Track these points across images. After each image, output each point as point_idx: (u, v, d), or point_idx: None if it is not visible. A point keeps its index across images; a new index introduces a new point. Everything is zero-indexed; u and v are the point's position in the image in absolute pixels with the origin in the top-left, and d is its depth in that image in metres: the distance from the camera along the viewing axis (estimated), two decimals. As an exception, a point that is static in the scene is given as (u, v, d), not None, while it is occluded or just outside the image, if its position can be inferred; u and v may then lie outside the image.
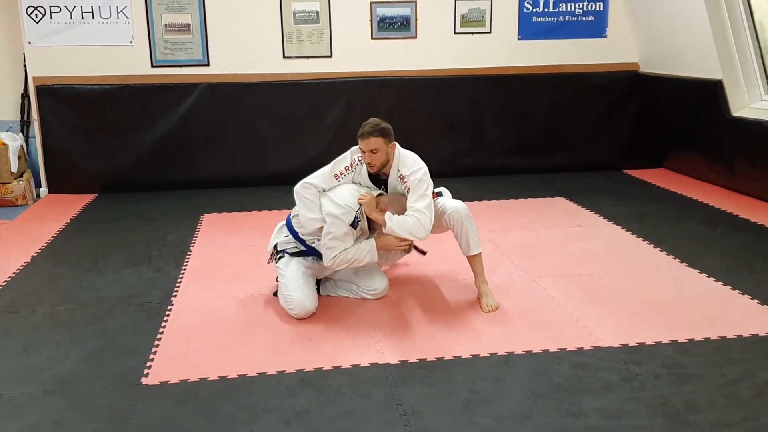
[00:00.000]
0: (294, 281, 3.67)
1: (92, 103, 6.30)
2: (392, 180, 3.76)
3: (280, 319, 3.65)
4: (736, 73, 5.93)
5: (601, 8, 6.90)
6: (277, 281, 3.86)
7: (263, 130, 6.58)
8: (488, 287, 3.82)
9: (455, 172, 6.78)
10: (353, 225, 3.60)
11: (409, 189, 3.64)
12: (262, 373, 3.07)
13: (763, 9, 5.71)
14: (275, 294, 3.92)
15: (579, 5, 6.86)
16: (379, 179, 3.80)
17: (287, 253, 3.81)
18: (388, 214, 3.59)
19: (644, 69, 6.97)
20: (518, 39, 6.84)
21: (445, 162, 6.73)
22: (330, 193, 3.66)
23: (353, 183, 3.77)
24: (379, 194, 3.73)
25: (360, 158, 3.75)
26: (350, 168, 3.77)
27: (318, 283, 3.93)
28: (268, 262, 3.98)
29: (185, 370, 3.10)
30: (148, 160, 6.45)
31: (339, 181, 3.73)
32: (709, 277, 4.13)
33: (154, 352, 3.29)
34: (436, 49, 6.72)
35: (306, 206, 3.67)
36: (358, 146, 3.75)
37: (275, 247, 3.89)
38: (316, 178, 3.73)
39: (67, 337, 3.46)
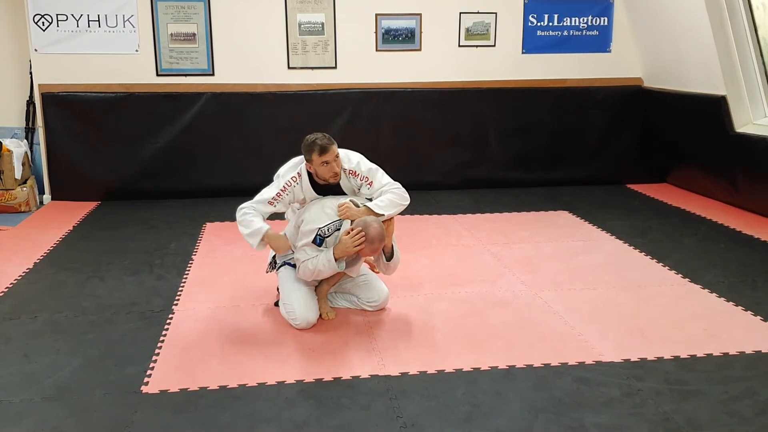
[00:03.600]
0: (295, 292, 3.67)
1: (97, 111, 6.31)
2: (343, 180, 3.74)
3: (280, 329, 3.64)
4: (740, 90, 5.94)
5: (606, 23, 6.92)
6: (278, 291, 3.86)
7: (267, 140, 6.59)
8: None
9: (458, 185, 6.79)
10: (315, 241, 3.57)
11: (365, 180, 3.70)
12: (262, 383, 3.06)
13: (767, 25, 5.72)
14: (276, 304, 3.92)
15: (583, 20, 6.88)
16: (324, 187, 3.74)
17: (288, 264, 3.81)
18: (372, 202, 3.61)
19: (648, 84, 6.99)
20: (522, 53, 6.86)
21: (448, 175, 6.74)
22: (305, 213, 3.66)
23: (295, 200, 3.77)
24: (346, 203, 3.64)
25: (295, 179, 3.75)
26: (297, 179, 3.78)
27: None
28: (267, 272, 3.98)
29: (185, 379, 3.09)
30: (151, 168, 6.46)
31: (275, 206, 3.77)
32: (711, 293, 4.12)
33: (155, 361, 3.28)
34: (441, 62, 6.74)
35: (243, 225, 3.74)
36: (295, 164, 3.81)
37: (274, 257, 3.89)
38: (255, 201, 3.82)
39: (67, 345, 3.46)
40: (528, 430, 2.70)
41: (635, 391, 2.97)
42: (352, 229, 3.51)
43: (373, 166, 3.78)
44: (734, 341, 3.46)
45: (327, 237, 3.59)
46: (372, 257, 3.84)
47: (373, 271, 4.02)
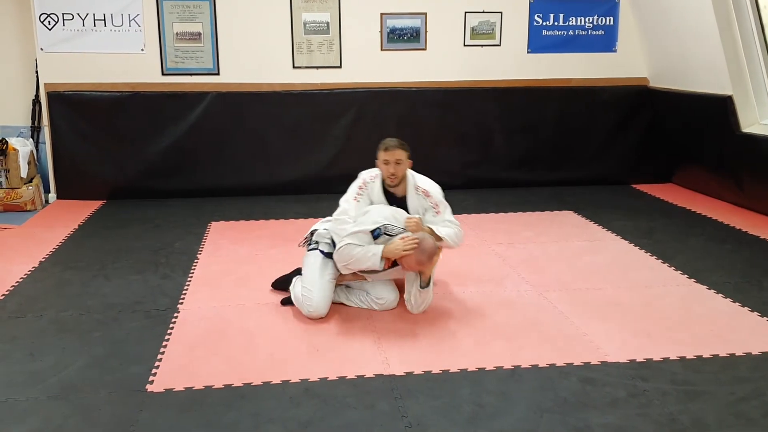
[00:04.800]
0: (319, 281, 3.73)
1: (102, 110, 6.32)
2: (411, 196, 3.88)
3: (286, 328, 3.65)
4: (747, 89, 5.91)
5: (611, 22, 6.90)
6: (290, 278, 3.96)
7: (272, 140, 6.59)
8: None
9: (463, 185, 6.78)
10: (374, 232, 3.64)
11: (435, 206, 3.87)
12: (267, 382, 3.06)
13: (774, 25, 5.71)
14: (283, 302, 3.93)
15: (589, 19, 6.86)
16: (392, 197, 3.88)
17: (321, 252, 3.84)
18: (436, 226, 3.80)
19: (654, 84, 6.97)
20: (528, 52, 6.85)
21: (453, 174, 6.73)
22: (375, 209, 3.80)
23: (370, 202, 3.88)
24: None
25: (372, 177, 3.90)
26: (364, 187, 3.91)
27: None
28: (300, 245, 4.05)
29: (190, 378, 3.10)
30: (156, 167, 6.47)
31: (358, 202, 3.88)
32: (717, 293, 4.11)
33: (160, 359, 3.28)
34: (446, 61, 6.73)
35: (357, 259, 3.64)
36: (368, 171, 3.95)
37: (312, 233, 3.96)
38: (343, 211, 3.87)
39: (72, 343, 3.46)
40: (533, 430, 2.69)
41: (641, 392, 2.97)
42: (407, 237, 3.59)
43: (446, 201, 3.94)
44: (741, 342, 3.44)
45: (387, 235, 3.65)
46: (407, 278, 3.80)
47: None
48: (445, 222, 3.88)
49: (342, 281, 3.92)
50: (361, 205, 3.88)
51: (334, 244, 3.80)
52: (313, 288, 3.73)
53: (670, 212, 6.01)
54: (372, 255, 3.60)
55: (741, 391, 2.96)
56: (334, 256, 3.72)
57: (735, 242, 5.10)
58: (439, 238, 3.75)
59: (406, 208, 3.88)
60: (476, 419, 2.77)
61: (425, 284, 3.72)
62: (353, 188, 3.97)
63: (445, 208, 3.94)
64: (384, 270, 3.70)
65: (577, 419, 2.76)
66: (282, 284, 4.14)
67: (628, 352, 3.33)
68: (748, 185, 5.86)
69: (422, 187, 3.93)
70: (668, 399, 2.91)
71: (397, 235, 3.65)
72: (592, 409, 2.83)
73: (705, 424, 2.72)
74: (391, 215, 3.73)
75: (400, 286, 3.94)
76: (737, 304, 3.94)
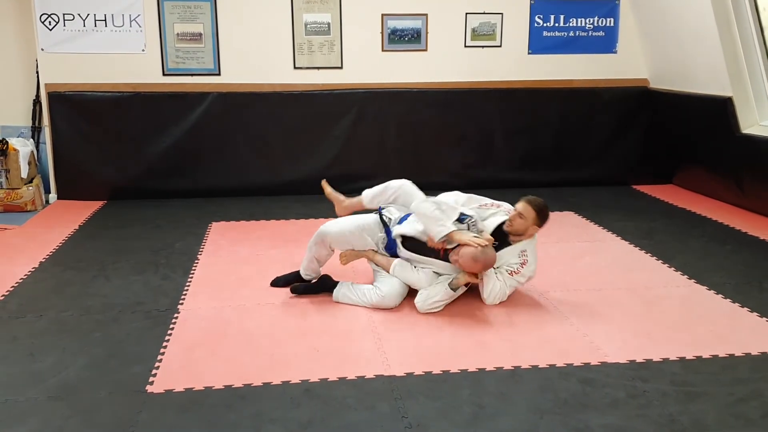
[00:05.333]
0: (400, 282, 3.91)
1: (103, 111, 6.33)
2: (512, 249, 3.96)
3: (286, 328, 3.65)
4: (746, 91, 5.92)
5: (612, 24, 6.91)
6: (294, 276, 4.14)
7: (272, 140, 6.60)
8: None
9: (463, 185, 6.67)
10: (460, 216, 3.82)
11: (522, 263, 3.95)
12: (267, 383, 3.06)
13: (774, 27, 5.72)
14: (293, 290, 4.06)
15: (590, 20, 6.86)
16: (501, 234, 3.96)
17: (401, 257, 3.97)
18: (499, 272, 3.94)
19: (654, 85, 6.97)
20: (528, 53, 6.85)
21: (454, 175, 6.73)
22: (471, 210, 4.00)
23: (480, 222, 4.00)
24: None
25: (506, 211, 4.05)
26: (491, 207, 4.13)
27: (334, 286, 4.01)
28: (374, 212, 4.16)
29: (190, 379, 3.10)
30: (157, 167, 6.47)
31: (483, 206, 4.13)
32: (717, 294, 4.11)
33: (160, 360, 3.29)
34: (447, 62, 6.74)
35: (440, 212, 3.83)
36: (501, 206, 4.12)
37: (382, 216, 4.10)
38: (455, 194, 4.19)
39: (73, 344, 3.47)
40: (533, 431, 2.69)
41: (641, 393, 2.97)
42: (481, 238, 3.75)
43: (526, 276, 3.99)
44: (740, 343, 3.45)
45: (467, 222, 3.82)
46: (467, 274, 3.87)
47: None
48: (506, 277, 3.92)
49: (371, 258, 4.05)
50: (476, 211, 4.00)
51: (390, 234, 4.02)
52: (389, 284, 3.89)
53: (670, 213, 6.02)
54: (441, 225, 3.72)
55: (740, 392, 2.96)
56: (414, 204, 3.88)
57: (735, 243, 5.10)
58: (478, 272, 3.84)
59: (503, 246, 3.95)
60: (476, 420, 2.77)
61: (455, 288, 3.78)
62: (488, 200, 4.17)
63: (519, 279, 3.96)
64: (435, 251, 3.82)
65: (576, 420, 2.76)
66: (283, 283, 4.18)
67: (628, 353, 3.33)
68: (748, 186, 5.86)
69: (526, 253, 3.95)
70: (668, 400, 2.91)
71: (472, 230, 3.84)
72: (592, 410, 2.83)
73: (704, 425, 2.72)
74: (479, 218, 3.94)
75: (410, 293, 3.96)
76: (737, 304, 3.94)
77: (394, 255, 4.00)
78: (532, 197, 3.97)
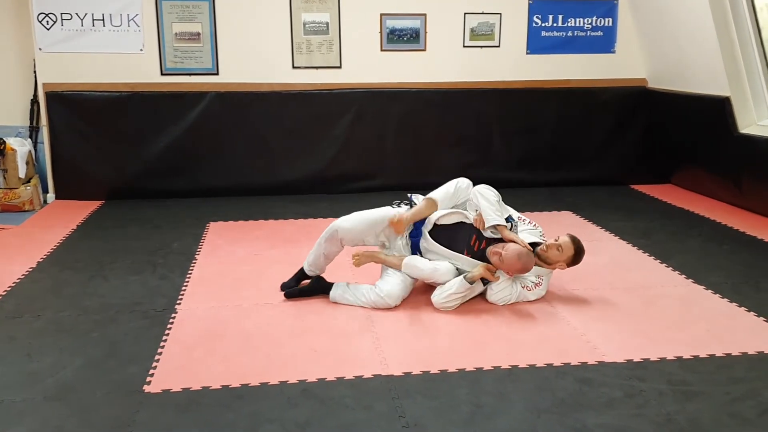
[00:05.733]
0: (402, 282, 3.91)
1: (101, 110, 6.32)
2: (533, 269, 3.96)
3: (283, 328, 3.65)
4: (744, 91, 5.92)
5: (610, 24, 6.91)
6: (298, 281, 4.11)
7: (271, 140, 6.59)
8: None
9: None
10: (507, 219, 3.98)
11: (538, 282, 4.02)
12: (265, 383, 3.06)
13: (772, 26, 5.72)
14: (287, 296, 4.03)
15: (588, 20, 6.87)
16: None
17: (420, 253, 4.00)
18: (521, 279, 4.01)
19: (652, 85, 6.97)
20: (527, 53, 6.85)
21: (452, 175, 6.59)
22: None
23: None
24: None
25: (547, 243, 4.00)
26: (528, 223, 4.19)
27: (328, 288, 4.00)
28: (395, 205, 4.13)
29: (188, 379, 3.10)
30: (155, 167, 6.47)
31: (520, 219, 4.18)
32: (715, 294, 4.11)
33: (157, 360, 3.28)
34: (445, 62, 6.74)
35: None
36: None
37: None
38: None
39: (70, 344, 3.46)
40: (531, 430, 2.70)
41: (638, 392, 2.97)
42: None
43: (539, 292, 4.06)
44: (737, 342, 3.45)
45: (511, 224, 3.96)
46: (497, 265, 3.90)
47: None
48: (519, 288, 3.97)
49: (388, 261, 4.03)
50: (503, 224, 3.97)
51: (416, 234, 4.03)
52: (393, 282, 3.90)
53: (668, 213, 6.02)
54: (497, 214, 3.87)
55: (737, 391, 2.97)
56: (474, 189, 4.01)
57: (733, 243, 5.10)
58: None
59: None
60: (474, 419, 2.77)
61: (471, 281, 3.81)
62: (521, 214, 4.22)
63: (528, 295, 3.99)
64: (467, 244, 3.90)
65: (574, 419, 2.76)
66: (294, 284, 4.16)
67: (625, 353, 3.33)
68: (746, 186, 5.87)
69: (542, 279, 4.01)
70: (665, 399, 2.91)
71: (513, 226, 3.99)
72: (589, 410, 2.83)
73: (701, 424, 2.72)
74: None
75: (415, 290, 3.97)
76: (734, 304, 3.94)
77: (416, 246, 3.99)
78: (577, 238, 4.01)
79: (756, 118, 5.92)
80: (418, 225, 4.00)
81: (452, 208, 4.08)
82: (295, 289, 4.08)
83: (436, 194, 4.05)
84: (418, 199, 4.11)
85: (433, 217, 3.99)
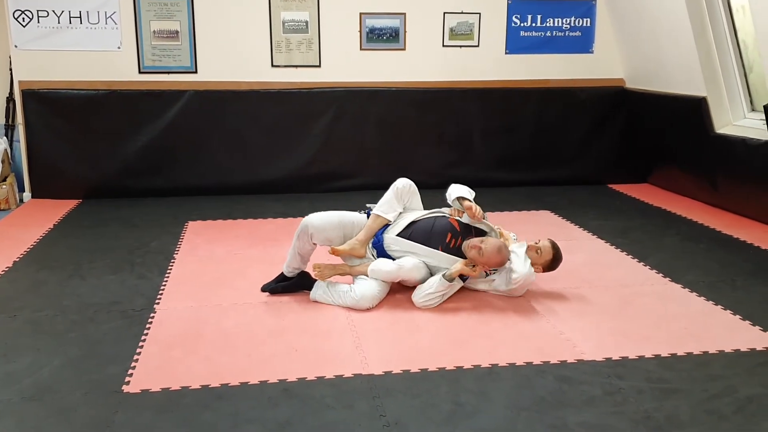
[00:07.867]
0: (376, 283, 3.89)
1: (78, 108, 6.26)
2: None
3: (263, 328, 3.63)
4: (720, 91, 5.99)
5: (588, 24, 6.96)
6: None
7: (250, 139, 6.57)
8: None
9: (441, 185, 6.67)
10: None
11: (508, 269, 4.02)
12: (245, 383, 3.05)
13: (746, 28, 5.78)
14: (271, 293, 4.04)
15: (566, 21, 6.91)
16: None
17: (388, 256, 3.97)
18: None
19: (630, 85, 7.04)
20: (506, 53, 6.88)
21: (432, 174, 6.73)
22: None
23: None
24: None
25: (528, 245, 4.04)
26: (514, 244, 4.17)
27: (312, 285, 4.00)
28: (360, 212, 4.14)
29: (167, 379, 3.08)
30: (133, 166, 6.41)
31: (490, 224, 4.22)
32: (692, 292, 4.16)
33: (136, 360, 3.26)
34: (425, 62, 6.75)
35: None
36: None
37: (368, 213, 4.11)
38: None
39: (48, 344, 3.43)
40: (511, 428, 2.71)
41: (617, 390, 3.00)
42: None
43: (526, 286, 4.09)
44: (714, 340, 3.49)
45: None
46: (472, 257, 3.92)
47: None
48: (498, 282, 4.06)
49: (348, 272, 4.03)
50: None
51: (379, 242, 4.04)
52: (369, 287, 3.88)
53: (645, 212, 6.08)
54: (475, 204, 4.04)
55: (714, 388, 3.00)
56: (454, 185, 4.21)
57: (709, 242, 5.17)
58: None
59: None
60: (454, 418, 2.78)
61: (450, 279, 3.84)
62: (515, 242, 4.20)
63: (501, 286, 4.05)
64: (441, 240, 3.94)
65: (554, 417, 2.78)
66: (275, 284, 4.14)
67: (604, 351, 3.36)
68: (722, 185, 5.94)
69: (516, 272, 3.94)
70: (643, 396, 2.94)
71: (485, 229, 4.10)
72: (569, 408, 2.85)
73: (679, 421, 2.75)
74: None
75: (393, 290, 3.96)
76: (711, 302, 3.99)
77: (381, 253, 3.99)
78: (557, 245, 4.09)
79: (732, 119, 5.99)
80: (378, 234, 4.02)
81: (408, 210, 4.14)
82: (278, 285, 4.07)
83: (379, 209, 4.03)
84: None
85: (405, 220, 4.02)
